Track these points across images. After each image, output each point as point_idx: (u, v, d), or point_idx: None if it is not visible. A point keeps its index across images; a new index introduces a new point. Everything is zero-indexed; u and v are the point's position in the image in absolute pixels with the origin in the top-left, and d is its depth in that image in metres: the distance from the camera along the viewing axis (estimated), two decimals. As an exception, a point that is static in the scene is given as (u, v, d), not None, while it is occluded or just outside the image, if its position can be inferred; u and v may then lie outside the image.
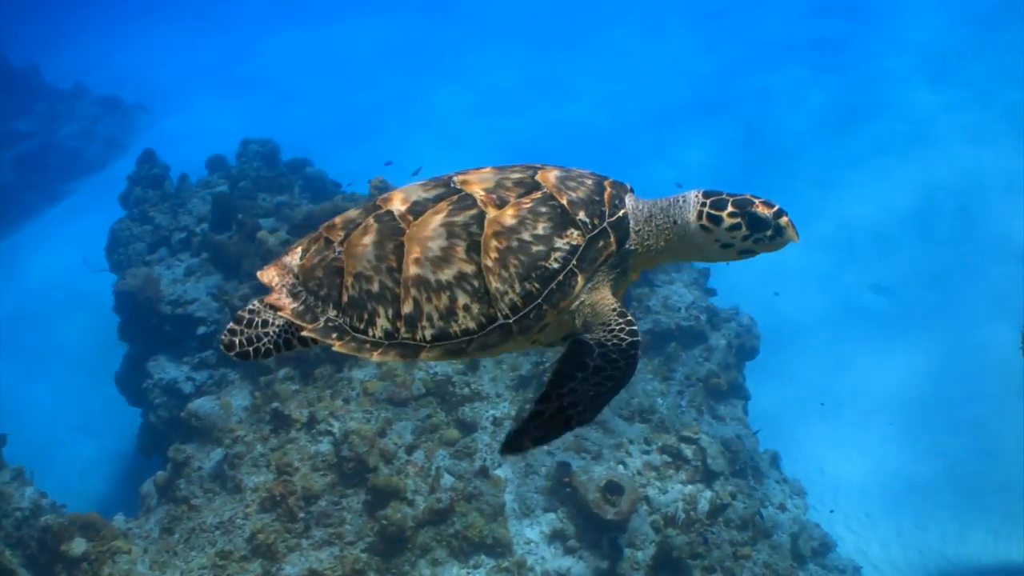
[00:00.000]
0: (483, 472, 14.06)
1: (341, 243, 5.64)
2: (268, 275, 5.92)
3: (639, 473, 14.67)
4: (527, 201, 5.33)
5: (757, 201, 5.44)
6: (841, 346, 25.66)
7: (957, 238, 28.66)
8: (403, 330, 5.42)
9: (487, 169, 5.63)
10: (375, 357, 5.47)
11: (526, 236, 5.26)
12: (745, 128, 36.49)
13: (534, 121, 38.54)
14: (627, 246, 5.55)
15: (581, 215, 5.36)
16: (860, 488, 22.12)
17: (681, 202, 5.60)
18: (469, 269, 5.24)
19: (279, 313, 5.81)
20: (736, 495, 15.06)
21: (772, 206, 5.43)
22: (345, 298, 5.58)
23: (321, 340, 5.62)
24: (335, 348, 5.54)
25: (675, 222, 5.57)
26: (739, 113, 37.46)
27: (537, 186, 5.40)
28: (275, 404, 14.80)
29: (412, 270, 5.36)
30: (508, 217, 5.29)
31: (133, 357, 19.42)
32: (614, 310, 5.41)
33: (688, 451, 15.09)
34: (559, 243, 5.28)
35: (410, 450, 14.15)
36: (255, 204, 20.01)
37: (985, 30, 39.49)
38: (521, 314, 5.26)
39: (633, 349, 5.36)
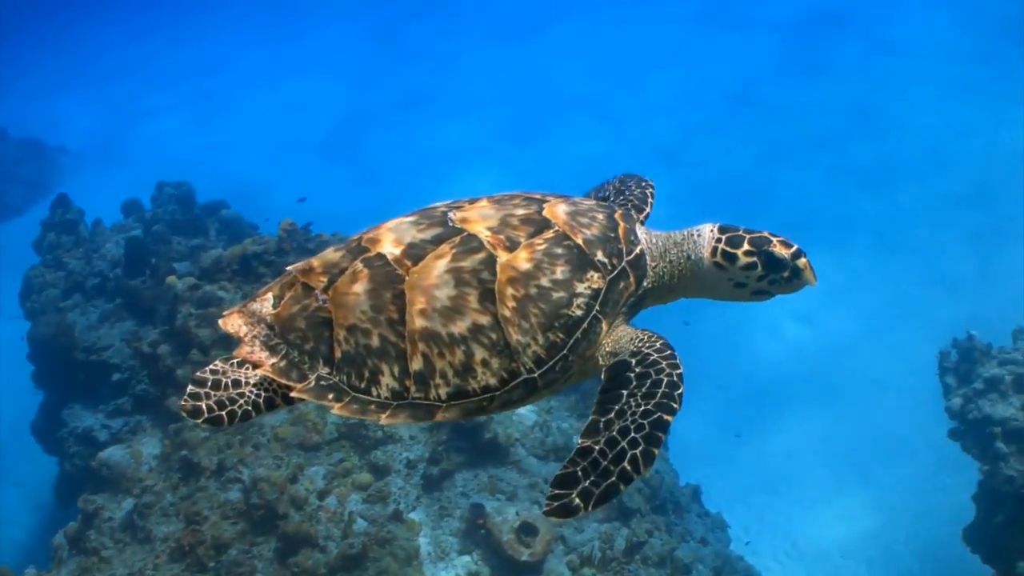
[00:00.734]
0: (397, 516, 13.92)
1: (325, 290, 5.15)
2: (233, 324, 5.41)
3: (554, 513, 14.54)
4: (540, 242, 4.97)
5: (775, 240, 5.20)
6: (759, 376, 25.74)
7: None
8: (414, 389, 4.97)
9: (483, 202, 5.26)
10: (383, 420, 4.98)
11: (544, 282, 4.91)
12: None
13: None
14: (644, 284, 5.29)
15: (599, 255, 5.04)
16: (787, 517, 22.15)
17: (696, 236, 5.35)
18: (484, 320, 4.84)
19: (257, 370, 5.26)
20: (653, 532, 14.99)
21: (791, 246, 5.19)
22: (338, 353, 5.09)
23: (315, 401, 5.12)
24: (333, 411, 5.06)
25: (688, 257, 5.32)
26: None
27: (547, 223, 5.05)
28: (184, 452, 14.60)
29: (418, 322, 4.92)
30: (523, 261, 4.93)
31: (48, 405, 19.16)
32: (632, 337, 5.12)
33: (602, 489, 14.98)
34: (580, 288, 4.94)
35: (322, 495, 13.98)
36: (169, 248, 19.78)
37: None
38: (546, 367, 4.88)
39: (669, 348, 5.05)
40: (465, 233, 5.04)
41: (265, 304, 5.36)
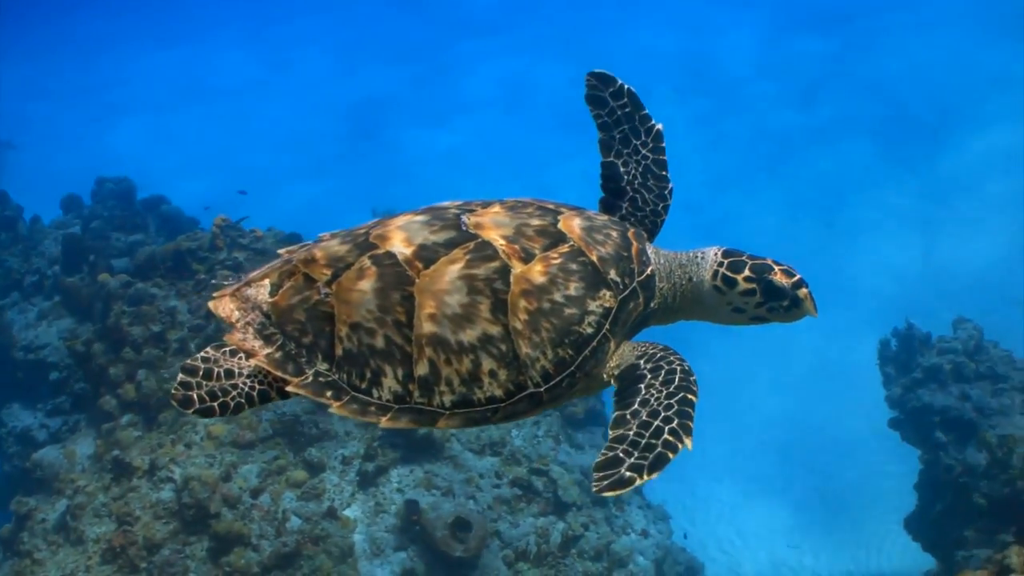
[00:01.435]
0: (331, 513, 13.85)
1: (328, 284, 4.94)
2: (224, 308, 5.16)
3: (490, 507, 14.52)
4: (555, 256, 4.86)
5: (777, 268, 5.14)
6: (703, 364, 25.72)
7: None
8: (416, 394, 4.84)
9: (496, 207, 5.13)
10: (384, 423, 4.83)
11: (558, 297, 4.81)
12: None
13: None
14: (651, 305, 5.22)
15: (612, 274, 4.95)
16: (731, 506, 22.17)
17: (699, 258, 5.29)
18: (495, 331, 4.73)
19: (252, 359, 5.05)
20: (589, 525, 14.95)
21: (792, 275, 5.13)
22: (339, 351, 4.92)
23: (312, 397, 4.93)
24: (332, 409, 4.89)
25: (691, 279, 5.26)
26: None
27: (562, 237, 4.93)
28: (116, 452, 14.48)
29: (427, 327, 4.78)
30: (537, 274, 4.81)
31: (-13, 405, 19.00)
32: (635, 347, 5.05)
33: (539, 483, 14.97)
34: (592, 306, 4.85)
35: (255, 493, 13.89)
36: (108, 244, 19.64)
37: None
38: (553, 383, 4.79)
39: (670, 349, 4.92)
40: (479, 239, 4.91)
41: (261, 290, 5.12)
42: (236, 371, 5.07)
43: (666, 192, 5.74)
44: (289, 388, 4.95)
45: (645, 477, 4.47)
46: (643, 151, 5.80)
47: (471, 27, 50.09)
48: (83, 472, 14.87)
